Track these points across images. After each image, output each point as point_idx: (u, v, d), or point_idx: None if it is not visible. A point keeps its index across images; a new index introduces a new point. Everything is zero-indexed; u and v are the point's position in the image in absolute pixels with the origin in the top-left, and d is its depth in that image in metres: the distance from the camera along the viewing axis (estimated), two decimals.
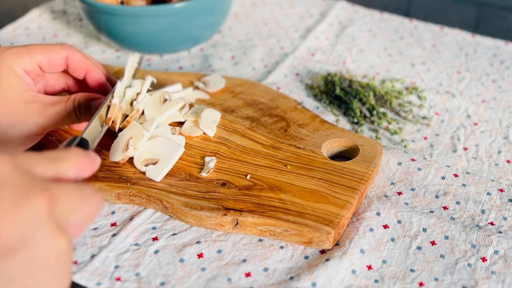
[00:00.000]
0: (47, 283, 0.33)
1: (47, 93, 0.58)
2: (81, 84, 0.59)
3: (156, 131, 0.58)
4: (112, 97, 0.55)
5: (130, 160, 0.56)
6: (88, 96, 0.56)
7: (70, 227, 0.35)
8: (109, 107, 0.55)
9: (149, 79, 0.59)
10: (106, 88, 0.58)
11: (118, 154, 0.55)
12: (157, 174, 0.55)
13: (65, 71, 0.58)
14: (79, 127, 0.61)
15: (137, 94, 0.58)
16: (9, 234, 0.31)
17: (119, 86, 0.56)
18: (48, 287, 0.33)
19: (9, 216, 0.32)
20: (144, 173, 0.55)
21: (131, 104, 0.58)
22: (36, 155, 0.36)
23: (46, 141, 0.60)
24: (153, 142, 0.56)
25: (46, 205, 0.33)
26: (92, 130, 0.51)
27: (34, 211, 0.33)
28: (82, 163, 0.38)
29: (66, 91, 0.60)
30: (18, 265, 0.32)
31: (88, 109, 0.55)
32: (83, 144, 0.45)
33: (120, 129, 0.58)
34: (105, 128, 0.56)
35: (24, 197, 0.32)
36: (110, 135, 0.60)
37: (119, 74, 0.71)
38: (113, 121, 0.56)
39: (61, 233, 0.34)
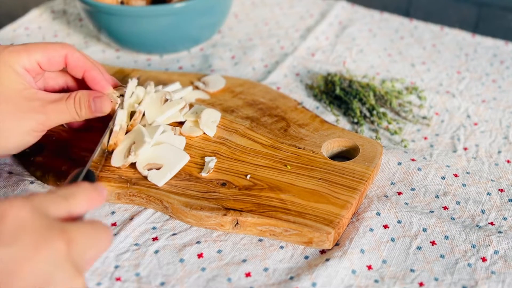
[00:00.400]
0: None
1: (47, 91, 0.58)
2: (81, 84, 0.59)
3: (160, 135, 0.58)
4: (114, 124, 0.56)
5: None
6: (89, 93, 0.56)
7: (83, 263, 0.37)
8: (110, 133, 0.56)
9: (151, 86, 0.60)
10: (105, 87, 0.58)
11: (119, 159, 0.55)
12: (159, 179, 0.55)
13: (64, 70, 0.58)
14: (78, 124, 0.61)
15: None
16: (32, 278, 0.33)
17: (120, 114, 0.57)
18: None
19: (32, 260, 0.33)
20: (146, 177, 0.55)
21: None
22: (49, 195, 0.38)
23: (46, 140, 0.60)
24: (158, 148, 0.56)
25: (64, 248, 0.35)
26: (96, 159, 0.53)
27: (54, 254, 0.34)
28: (92, 198, 0.40)
29: (66, 90, 0.60)
30: None
31: (88, 105, 0.56)
32: (89, 175, 0.47)
33: None
34: (106, 153, 0.56)
35: (44, 241, 0.34)
36: None
37: (120, 74, 0.72)
38: (114, 145, 0.57)
39: (78, 274, 0.36)
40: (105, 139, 0.55)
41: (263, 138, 0.61)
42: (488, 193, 0.59)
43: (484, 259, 0.51)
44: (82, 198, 0.40)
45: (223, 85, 0.70)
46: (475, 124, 0.69)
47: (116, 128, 0.56)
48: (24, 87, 0.53)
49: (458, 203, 0.57)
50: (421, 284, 0.49)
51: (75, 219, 0.39)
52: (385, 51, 0.84)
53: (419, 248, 0.52)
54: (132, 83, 0.59)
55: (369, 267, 0.50)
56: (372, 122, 0.69)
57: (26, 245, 0.34)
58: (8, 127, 0.52)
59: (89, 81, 0.58)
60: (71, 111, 0.55)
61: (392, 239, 0.53)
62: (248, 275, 0.49)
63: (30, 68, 0.54)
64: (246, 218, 0.52)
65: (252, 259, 0.51)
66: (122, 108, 0.57)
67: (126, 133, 0.57)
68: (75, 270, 0.35)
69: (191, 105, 0.64)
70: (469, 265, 0.51)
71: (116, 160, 0.56)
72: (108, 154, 0.56)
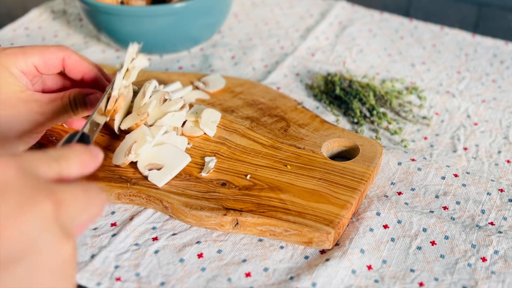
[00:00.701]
0: None
1: (45, 93, 0.59)
2: (79, 85, 0.59)
3: (162, 136, 0.58)
4: (112, 89, 0.54)
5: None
6: (83, 90, 0.56)
7: (74, 228, 0.35)
8: (108, 99, 0.54)
9: (153, 84, 0.60)
10: (104, 87, 0.58)
11: (120, 158, 0.55)
12: (160, 179, 0.54)
13: (62, 73, 0.59)
14: (77, 123, 0.61)
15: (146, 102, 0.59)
16: (14, 241, 0.31)
17: (118, 78, 0.55)
18: None
19: (14, 223, 0.31)
20: (146, 176, 0.55)
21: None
22: (39, 155, 0.35)
23: (46, 140, 0.60)
24: (160, 148, 0.56)
25: (51, 210, 0.33)
26: (92, 123, 0.51)
27: (39, 216, 0.32)
28: (85, 160, 0.38)
29: (65, 89, 0.60)
30: (23, 273, 0.31)
31: (84, 103, 0.56)
32: (84, 139, 0.45)
33: (120, 129, 0.58)
34: (104, 120, 0.55)
35: (29, 202, 0.32)
36: (113, 136, 0.60)
37: None
38: (113, 111, 0.55)
39: (66, 238, 0.33)
40: (102, 104, 0.53)
41: (263, 138, 0.61)
42: (488, 193, 0.59)
43: (484, 259, 0.51)
44: (74, 160, 0.37)
45: (223, 85, 0.70)
46: (475, 124, 0.69)
47: (114, 93, 0.54)
48: (20, 90, 0.53)
49: (458, 203, 0.57)
50: (421, 284, 0.49)
51: (67, 182, 0.37)
52: (385, 51, 0.84)
53: (419, 248, 0.52)
54: (132, 47, 0.57)
55: (369, 267, 0.50)
56: (372, 122, 0.69)
57: (8, 205, 0.31)
58: (7, 130, 0.52)
59: (89, 82, 0.58)
60: (67, 110, 0.55)
61: (392, 239, 0.53)
62: (248, 275, 0.49)
63: (27, 71, 0.54)
64: (246, 218, 0.52)
65: (252, 259, 0.51)
66: (120, 72, 0.55)
67: (120, 130, 0.57)
68: (64, 234, 0.33)
69: (191, 105, 0.64)
70: (469, 265, 0.51)
71: (117, 159, 0.56)
72: (107, 120, 0.55)
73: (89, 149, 0.39)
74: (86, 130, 0.48)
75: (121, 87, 0.55)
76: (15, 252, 0.31)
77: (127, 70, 0.56)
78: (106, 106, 0.54)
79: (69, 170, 0.37)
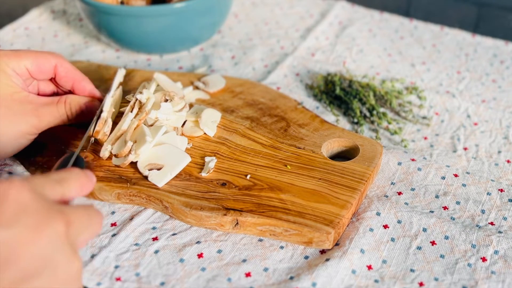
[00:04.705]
0: None
1: (38, 95, 0.59)
2: (71, 93, 0.60)
3: (162, 136, 0.58)
4: (101, 111, 0.56)
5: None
6: (79, 98, 0.57)
7: (77, 245, 0.38)
8: (97, 120, 0.56)
9: (155, 82, 0.61)
10: (96, 96, 0.59)
11: (119, 158, 0.55)
12: (160, 179, 0.55)
13: (54, 79, 0.59)
14: None
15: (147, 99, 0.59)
16: (34, 258, 0.34)
17: (108, 100, 0.57)
18: None
19: (33, 241, 0.34)
20: (146, 176, 0.55)
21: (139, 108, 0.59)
22: (44, 179, 0.39)
23: (46, 140, 0.60)
24: (160, 148, 0.56)
25: (64, 229, 0.36)
26: (83, 145, 0.54)
27: (54, 235, 0.35)
28: (83, 183, 0.41)
29: (56, 94, 0.61)
30: (40, 286, 0.34)
31: (79, 110, 0.56)
32: (78, 161, 0.48)
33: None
34: (92, 140, 0.57)
35: (45, 222, 0.35)
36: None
37: None
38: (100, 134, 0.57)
39: (75, 255, 0.36)
40: (92, 126, 0.56)
41: (263, 138, 0.61)
42: (488, 193, 0.59)
43: (484, 259, 0.51)
44: (74, 183, 0.41)
45: (223, 85, 0.70)
46: (475, 124, 0.69)
47: (104, 115, 0.56)
48: (15, 90, 0.53)
49: (458, 203, 0.58)
50: (421, 284, 0.49)
51: (66, 203, 0.40)
52: (385, 51, 0.84)
53: (419, 248, 0.52)
54: (121, 72, 0.60)
55: (369, 267, 0.50)
56: (372, 122, 0.69)
57: (27, 226, 0.34)
58: (2, 130, 0.52)
59: (79, 91, 0.59)
60: (61, 114, 0.56)
61: (392, 239, 0.53)
62: (248, 275, 0.49)
63: (20, 73, 0.55)
64: (246, 218, 0.52)
65: (252, 259, 0.51)
66: (109, 95, 0.58)
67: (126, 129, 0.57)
68: (73, 252, 0.36)
69: (191, 105, 0.65)
70: (469, 265, 0.51)
71: (117, 159, 0.56)
72: (94, 141, 0.57)
73: (85, 172, 0.42)
74: (80, 152, 0.51)
75: (109, 109, 0.57)
76: (35, 267, 0.34)
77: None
78: (94, 127, 0.56)
79: (70, 192, 0.40)
